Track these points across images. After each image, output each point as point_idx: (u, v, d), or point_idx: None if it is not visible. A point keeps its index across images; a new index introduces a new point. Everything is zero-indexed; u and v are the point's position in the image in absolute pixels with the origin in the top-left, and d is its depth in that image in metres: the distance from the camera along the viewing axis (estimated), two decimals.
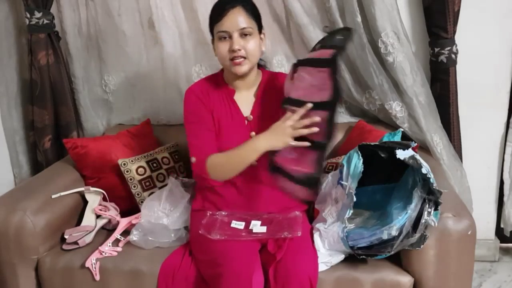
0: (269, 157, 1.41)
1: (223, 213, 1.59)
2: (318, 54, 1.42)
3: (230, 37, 1.47)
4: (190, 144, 1.55)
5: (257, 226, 1.52)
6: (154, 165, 1.92)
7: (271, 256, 1.45)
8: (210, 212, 1.60)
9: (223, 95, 1.58)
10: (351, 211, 1.47)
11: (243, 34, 1.47)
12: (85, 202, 1.83)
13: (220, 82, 1.60)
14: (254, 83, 1.61)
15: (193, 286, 1.52)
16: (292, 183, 1.38)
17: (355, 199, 1.44)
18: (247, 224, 1.53)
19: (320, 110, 1.32)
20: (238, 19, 1.46)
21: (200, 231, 1.52)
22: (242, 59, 1.48)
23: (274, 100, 1.55)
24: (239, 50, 1.47)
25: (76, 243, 1.68)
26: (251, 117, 1.58)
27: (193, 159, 1.52)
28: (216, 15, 1.48)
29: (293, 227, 1.50)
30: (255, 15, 1.52)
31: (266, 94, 1.60)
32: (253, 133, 1.56)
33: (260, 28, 1.54)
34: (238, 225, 1.53)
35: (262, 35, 1.55)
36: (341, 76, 1.43)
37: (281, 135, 1.36)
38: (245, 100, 1.60)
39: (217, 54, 1.51)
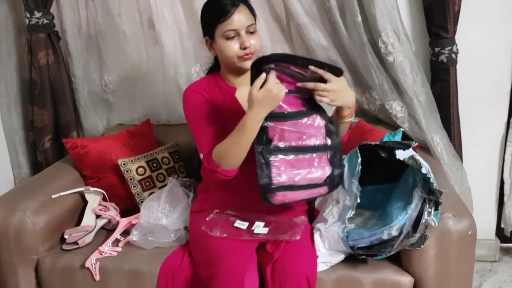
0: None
1: (229, 212, 1.59)
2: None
3: (238, 35, 1.48)
4: (197, 142, 1.52)
5: (259, 227, 1.52)
6: (154, 165, 1.91)
7: (269, 255, 1.44)
8: (217, 210, 1.59)
9: (224, 93, 1.58)
10: (353, 212, 1.47)
11: (249, 32, 1.49)
12: (85, 202, 1.82)
13: (219, 81, 1.60)
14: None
15: (193, 286, 1.51)
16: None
17: (359, 200, 1.44)
18: (251, 225, 1.53)
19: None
20: (244, 17, 1.48)
21: (202, 227, 1.52)
22: (251, 54, 1.50)
23: None
24: (250, 46, 1.48)
25: (76, 243, 1.68)
26: None
27: (201, 156, 1.47)
28: (220, 14, 1.46)
29: (294, 230, 1.49)
30: (253, 12, 1.54)
31: None
32: None
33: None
34: (242, 225, 1.53)
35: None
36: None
37: (272, 93, 1.32)
38: (245, 96, 1.60)
39: (224, 53, 1.50)
